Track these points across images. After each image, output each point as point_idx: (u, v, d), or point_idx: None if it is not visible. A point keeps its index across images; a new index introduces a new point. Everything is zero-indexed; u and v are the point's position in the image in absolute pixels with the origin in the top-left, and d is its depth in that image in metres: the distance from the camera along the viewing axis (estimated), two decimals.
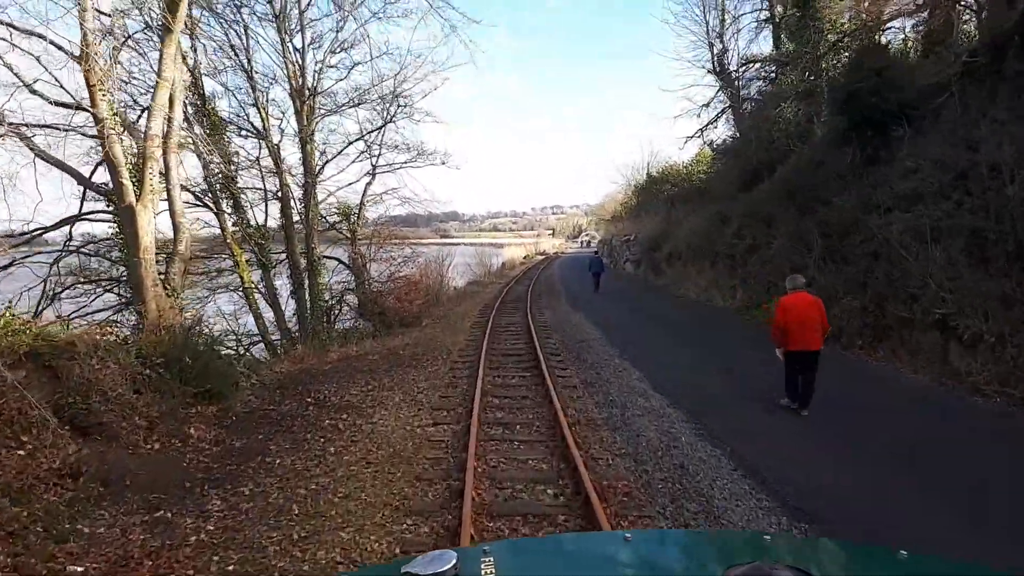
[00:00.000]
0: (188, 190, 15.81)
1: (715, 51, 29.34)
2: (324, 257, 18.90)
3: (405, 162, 19.30)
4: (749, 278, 17.28)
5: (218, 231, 16.29)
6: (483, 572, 1.19)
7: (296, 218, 17.56)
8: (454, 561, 1.15)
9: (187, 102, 15.96)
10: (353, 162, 18.97)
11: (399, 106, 18.29)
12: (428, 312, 20.29)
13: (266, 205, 17.36)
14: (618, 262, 37.37)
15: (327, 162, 17.67)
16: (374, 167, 19.48)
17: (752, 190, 21.08)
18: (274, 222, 17.73)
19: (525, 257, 61.65)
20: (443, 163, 19.19)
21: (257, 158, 17.07)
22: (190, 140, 15.38)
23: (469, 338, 14.52)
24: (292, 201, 17.47)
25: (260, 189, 17.36)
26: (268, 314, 17.29)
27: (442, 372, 11.02)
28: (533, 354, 11.88)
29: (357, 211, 19.51)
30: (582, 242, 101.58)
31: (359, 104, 17.82)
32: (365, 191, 19.68)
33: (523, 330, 15.24)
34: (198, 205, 16.14)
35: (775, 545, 1.40)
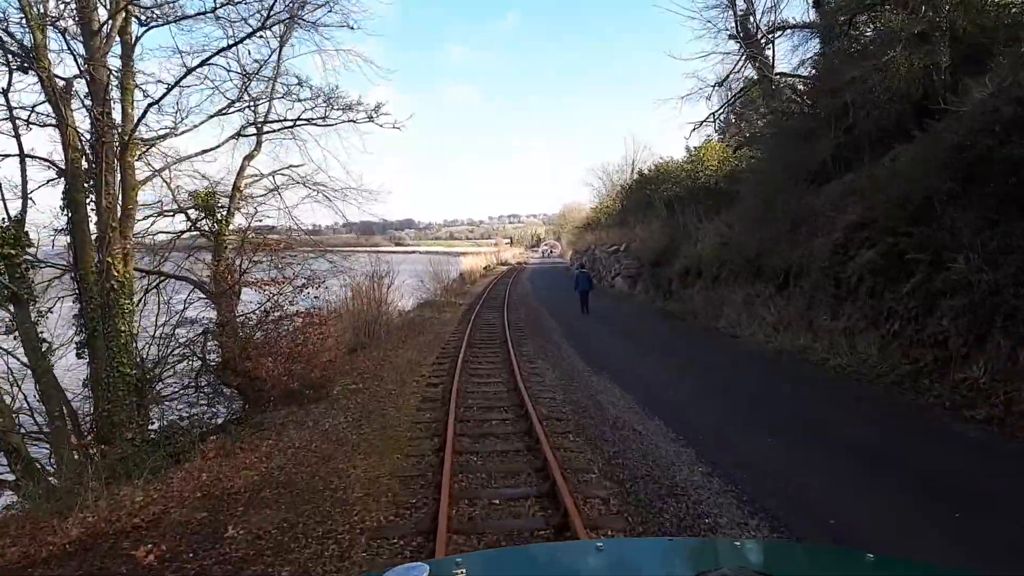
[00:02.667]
0: None
1: (738, 11, 22.53)
2: (164, 276, 10.65)
3: (302, 118, 11.17)
4: (895, 318, 9.87)
5: None
6: None
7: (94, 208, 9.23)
8: (425, 574, 1.08)
9: None
10: (219, 115, 10.70)
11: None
12: (349, 367, 12.20)
13: (24, 184, 8.97)
14: (604, 277, 29.92)
15: (154, 104, 9.40)
16: (258, 126, 11.35)
17: (837, 178, 14.02)
18: (49, 215, 9.38)
19: (486, 268, 53.62)
20: (371, 118, 11.17)
21: (5, 95, 8.74)
22: None
23: (408, 459, 6.57)
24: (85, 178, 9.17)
25: (17, 155, 9.01)
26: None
27: None
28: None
29: (228, 199, 11.33)
30: (543, 252, 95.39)
31: (222, 6, 9.62)
32: (243, 167, 11.53)
33: (518, 429, 7.38)
34: None
35: (744, 551, 1.35)
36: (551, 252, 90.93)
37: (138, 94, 9.47)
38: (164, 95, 9.20)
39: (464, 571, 1.16)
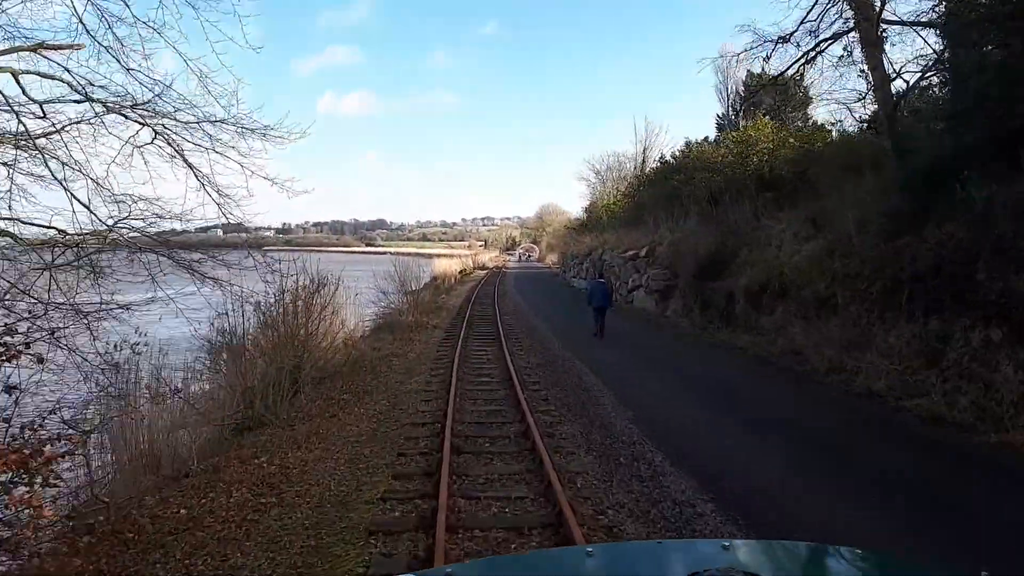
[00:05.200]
0: None
1: None
2: None
3: None
4: None
5: None
6: None
7: None
8: None
9: None
10: None
11: None
12: (188, 514, 5.10)
13: None
14: (618, 290, 23.16)
15: None
16: None
17: None
18: None
19: (462, 272, 46.33)
20: None
21: None
22: None
23: None
24: None
25: None
26: None
27: None
28: None
29: None
30: (520, 256, 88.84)
31: None
32: None
33: None
34: None
35: (733, 551, 1.27)
36: (529, 256, 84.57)
37: None
38: None
39: None
